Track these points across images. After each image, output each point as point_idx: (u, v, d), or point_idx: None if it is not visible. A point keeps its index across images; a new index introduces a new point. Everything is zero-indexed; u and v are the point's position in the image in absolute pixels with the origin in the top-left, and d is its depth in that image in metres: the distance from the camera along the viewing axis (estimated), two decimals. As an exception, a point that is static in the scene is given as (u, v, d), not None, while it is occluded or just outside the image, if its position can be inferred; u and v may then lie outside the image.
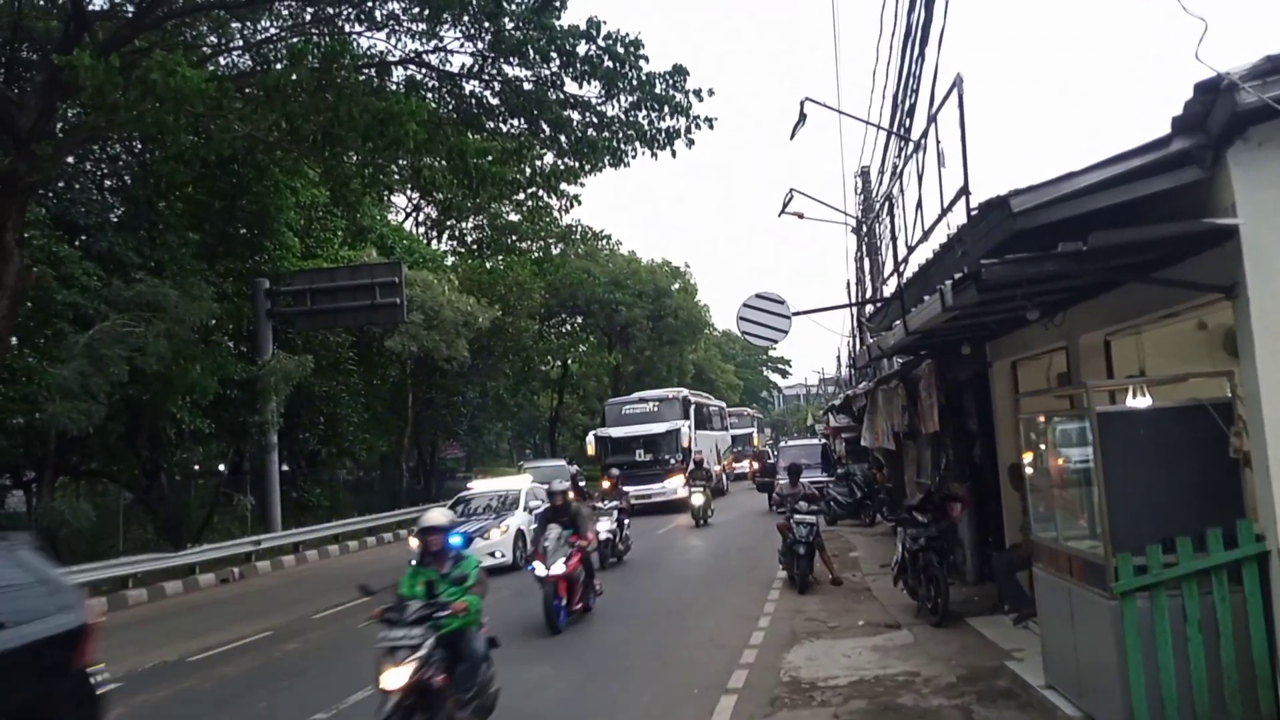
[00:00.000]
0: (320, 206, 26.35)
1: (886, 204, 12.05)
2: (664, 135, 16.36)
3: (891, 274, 11.35)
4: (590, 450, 30.70)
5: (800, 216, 18.63)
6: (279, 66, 14.86)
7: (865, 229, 18.57)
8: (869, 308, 14.72)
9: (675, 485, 27.48)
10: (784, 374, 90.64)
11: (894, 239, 10.86)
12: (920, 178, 8.70)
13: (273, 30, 18.09)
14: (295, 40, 15.60)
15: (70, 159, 19.41)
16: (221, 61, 18.49)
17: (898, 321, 8.84)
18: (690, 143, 16.39)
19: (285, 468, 27.40)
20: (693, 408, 31.30)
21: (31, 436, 18.51)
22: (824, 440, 30.74)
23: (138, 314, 17.87)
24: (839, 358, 48.38)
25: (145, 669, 10.64)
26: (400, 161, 18.15)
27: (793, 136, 14.81)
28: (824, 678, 7.89)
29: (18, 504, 21.20)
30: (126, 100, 13.20)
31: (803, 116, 14.31)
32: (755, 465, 35.53)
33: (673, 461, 28.46)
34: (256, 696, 9.02)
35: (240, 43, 18.65)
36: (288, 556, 21.77)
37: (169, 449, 22.53)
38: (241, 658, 11.06)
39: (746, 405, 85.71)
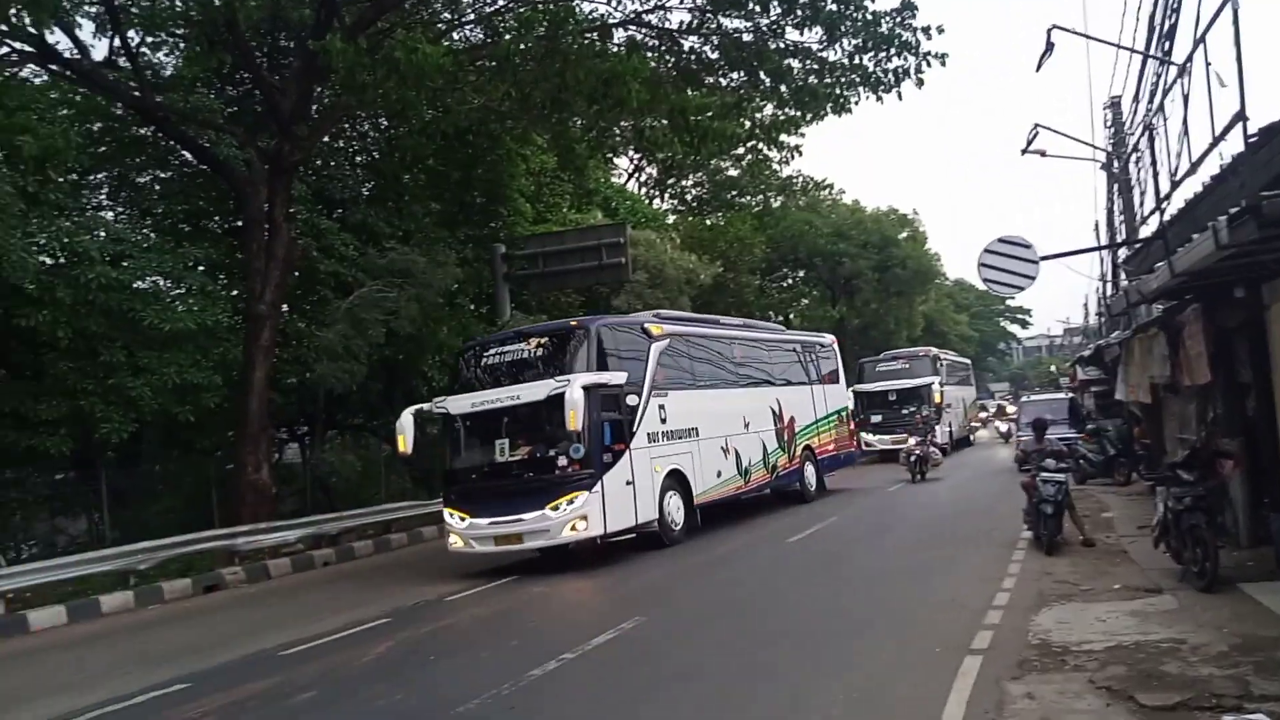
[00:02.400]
0: (549, 172, 27.28)
1: (1145, 134, 11.03)
2: (891, 77, 15.68)
3: (1152, 212, 10.41)
4: (400, 445, 23.43)
5: (1043, 154, 17.45)
6: (508, 37, 15.40)
7: (1118, 164, 17.11)
8: (1123, 250, 13.60)
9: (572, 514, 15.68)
10: (1024, 324, 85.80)
11: (1154, 173, 9.93)
12: (1186, 102, 7.89)
13: (501, 1, 18.77)
14: (523, 9, 16.10)
15: (325, 138, 21.06)
16: (455, 36, 19.42)
17: (1160, 263, 8.11)
18: (920, 83, 15.62)
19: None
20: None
21: (304, 395, 20.47)
22: (1071, 394, 28.88)
23: (390, 280, 19.33)
24: (1086, 305, 45.30)
25: (408, 606, 11.57)
26: (623, 123, 18.46)
27: (1039, 68, 13.88)
28: (1077, 642, 7.44)
29: (293, 456, 23.56)
30: (374, 79, 14.14)
31: (1050, 45, 13.35)
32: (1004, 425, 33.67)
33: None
34: (508, 634, 9.62)
35: (472, 16, 19.50)
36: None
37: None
38: (492, 599, 11.81)
39: (979, 358, 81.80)
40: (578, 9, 16.36)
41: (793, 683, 7.04)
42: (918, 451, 23.59)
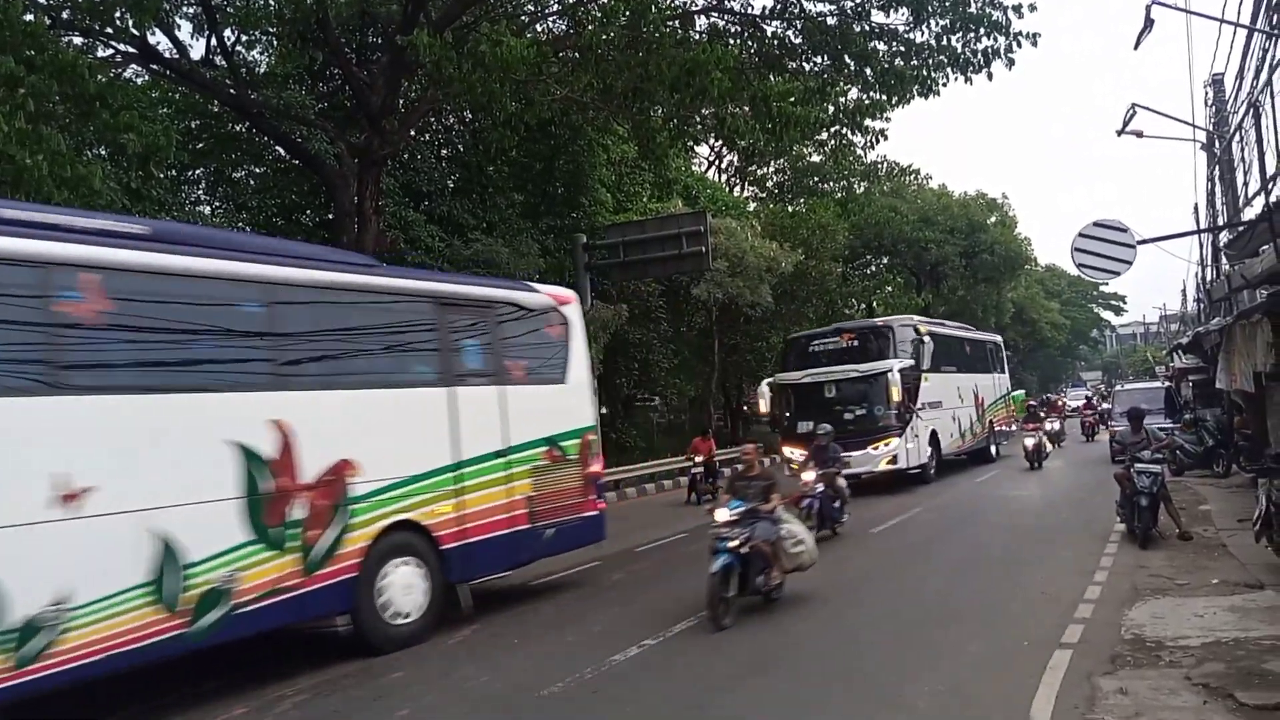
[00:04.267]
0: (629, 162, 27.38)
1: (1249, 112, 10.59)
2: (980, 58, 15.34)
3: (1257, 193, 10.01)
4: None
5: (1140, 135, 16.86)
6: (590, 28, 15.49)
7: (1220, 144, 16.44)
8: (1225, 233, 13.09)
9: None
10: (1118, 311, 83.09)
11: (1259, 153, 9.54)
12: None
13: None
14: (606, 0, 16.17)
15: (412, 132, 21.47)
16: (538, 28, 19.60)
17: (1265, 246, 7.79)
18: (1010, 63, 15.26)
19: (604, 410, 29.05)
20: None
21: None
22: (1167, 383, 27.89)
23: (475, 271, 19.65)
24: (1184, 291, 43.61)
25: (494, 591, 11.78)
26: (704, 111, 18.41)
27: (1137, 45, 13.37)
28: (1172, 637, 7.24)
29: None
30: (459, 73, 14.36)
31: (1149, 22, 12.86)
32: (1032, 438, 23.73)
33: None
34: (591, 620, 9.73)
35: (555, 7, 19.65)
36: (609, 493, 23.15)
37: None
38: (575, 584, 11.96)
39: (1070, 345, 79.37)
40: (659, -2, 16.39)
41: (876, 675, 7.00)
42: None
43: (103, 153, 15.56)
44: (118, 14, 15.14)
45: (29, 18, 13.14)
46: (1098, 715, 5.70)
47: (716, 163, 42.11)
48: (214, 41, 18.11)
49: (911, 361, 20.28)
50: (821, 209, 36.78)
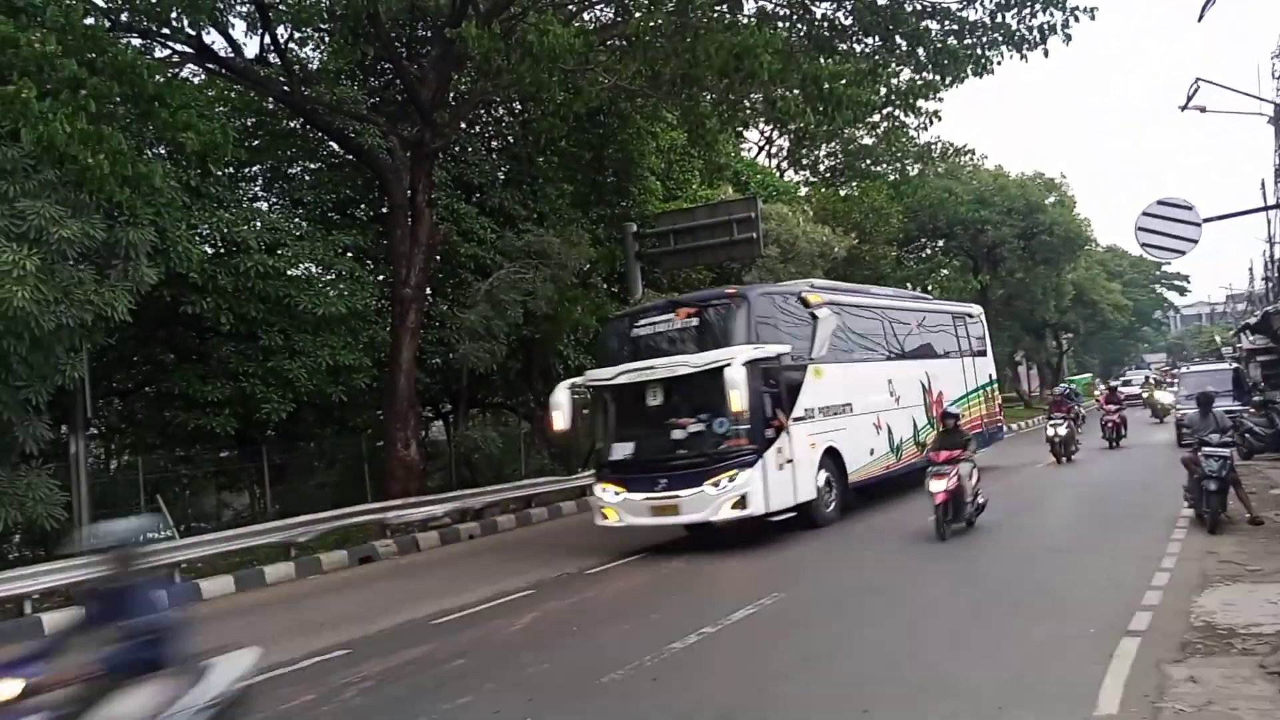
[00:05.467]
0: (678, 149, 27.26)
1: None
2: (1035, 34, 14.97)
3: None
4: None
5: (1203, 110, 16.37)
6: (637, 15, 15.43)
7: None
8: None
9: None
10: (1182, 291, 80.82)
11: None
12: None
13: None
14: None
15: (463, 124, 21.60)
16: (585, 17, 19.57)
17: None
18: (1067, 39, 14.85)
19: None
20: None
21: (447, 374, 21.20)
22: (1235, 364, 27.12)
23: (526, 262, 19.75)
24: (1251, 270, 42.34)
25: (551, 579, 11.87)
26: (754, 95, 18.24)
27: (1201, 17, 13.04)
28: (1244, 624, 7.04)
29: (438, 433, 24.43)
30: (508, 64, 14.40)
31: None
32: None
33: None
34: (650, 608, 9.77)
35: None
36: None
37: (558, 382, 24.75)
38: (632, 573, 12.03)
39: (1133, 327, 77.16)
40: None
41: (938, 662, 6.91)
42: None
43: (162, 151, 15.89)
44: (174, 14, 15.44)
45: (89, 21, 13.48)
46: (1168, 704, 5.57)
47: (767, 148, 41.80)
48: (267, 39, 18.38)
49: (782, 349, 13.52)
50: (874, 192, 36.31)
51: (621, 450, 13.64)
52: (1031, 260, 45.63)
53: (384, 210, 20.40)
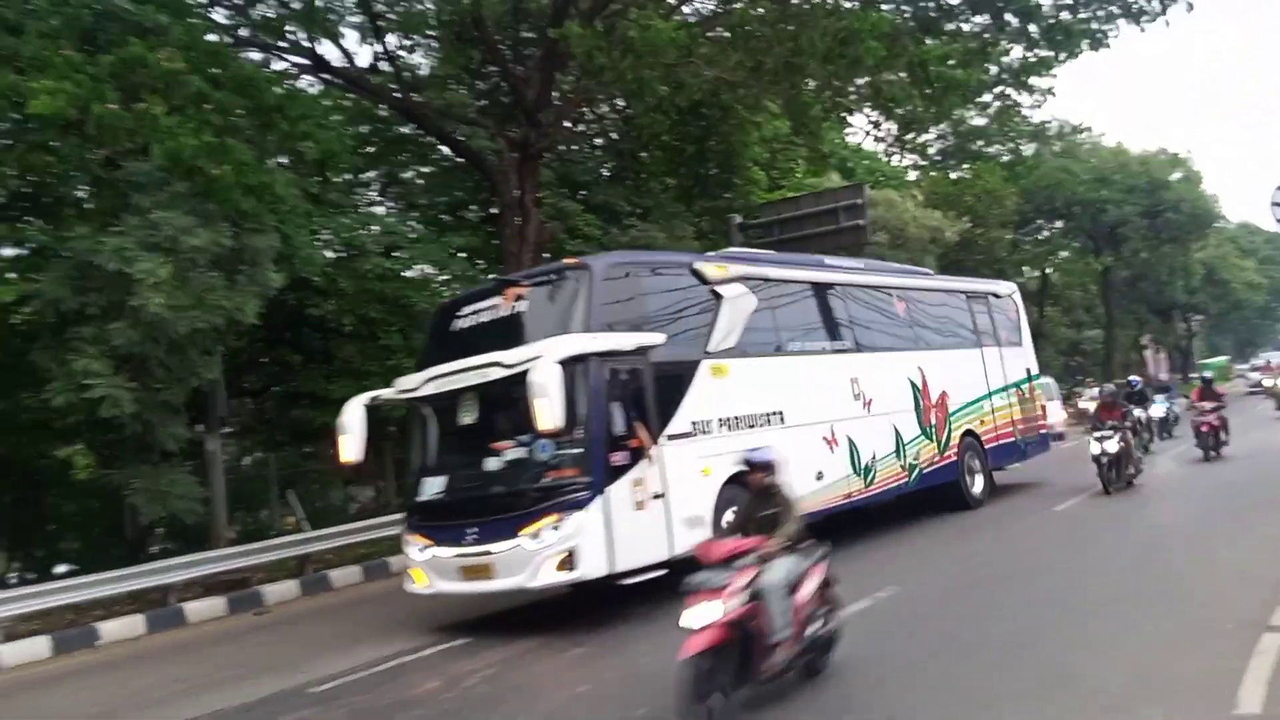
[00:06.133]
0: (782, 138, 26.99)
1: None
2: (1155, 4, 14.38)
3: None
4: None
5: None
6: (739, 5, 15.36)
7: None
8: None
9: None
10: (1323, 265, 75.91)
11: None
12: None
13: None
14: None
15: (567, 123, 21.88)
16: (686, 10, 19.57)
17: None
18: (1189, 6, 14.26)
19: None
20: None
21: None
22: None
23: (631, 256, 19.89)
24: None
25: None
26: (859, 81, 17.95)
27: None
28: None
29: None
30: (610, 61, 14.53)
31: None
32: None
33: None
34: None
35: (703, -13, 19.59)
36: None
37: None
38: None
39: (1269, 307, 72.78)
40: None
41: (1056, 655, 6.70)
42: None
43: (284, 160, 16.59)
44: (290, 29, 16.11)
45: (211, 38, 14.19)
46: (1315, 703, 5.28)
47: (873, 132, 41.00)
48: (379, 48, 18.98)
49: (648, 340, 9.80)
50: (987, 174, 35.29)
51: (431, 487, 10.13)
52: (1157, 239, 43.61)
53: (493, 211, 20.84)
